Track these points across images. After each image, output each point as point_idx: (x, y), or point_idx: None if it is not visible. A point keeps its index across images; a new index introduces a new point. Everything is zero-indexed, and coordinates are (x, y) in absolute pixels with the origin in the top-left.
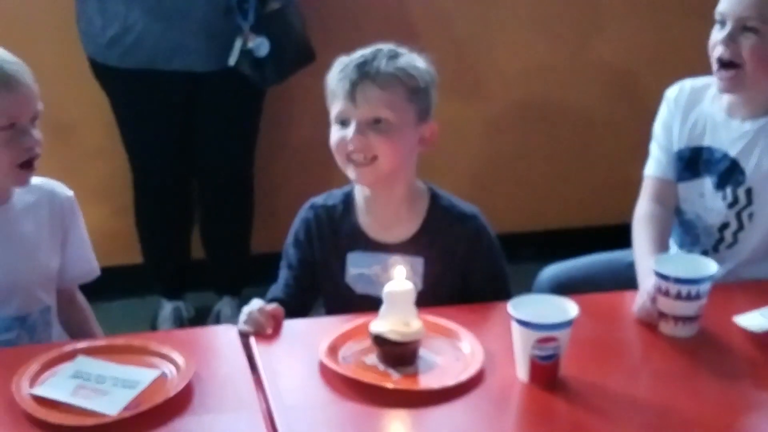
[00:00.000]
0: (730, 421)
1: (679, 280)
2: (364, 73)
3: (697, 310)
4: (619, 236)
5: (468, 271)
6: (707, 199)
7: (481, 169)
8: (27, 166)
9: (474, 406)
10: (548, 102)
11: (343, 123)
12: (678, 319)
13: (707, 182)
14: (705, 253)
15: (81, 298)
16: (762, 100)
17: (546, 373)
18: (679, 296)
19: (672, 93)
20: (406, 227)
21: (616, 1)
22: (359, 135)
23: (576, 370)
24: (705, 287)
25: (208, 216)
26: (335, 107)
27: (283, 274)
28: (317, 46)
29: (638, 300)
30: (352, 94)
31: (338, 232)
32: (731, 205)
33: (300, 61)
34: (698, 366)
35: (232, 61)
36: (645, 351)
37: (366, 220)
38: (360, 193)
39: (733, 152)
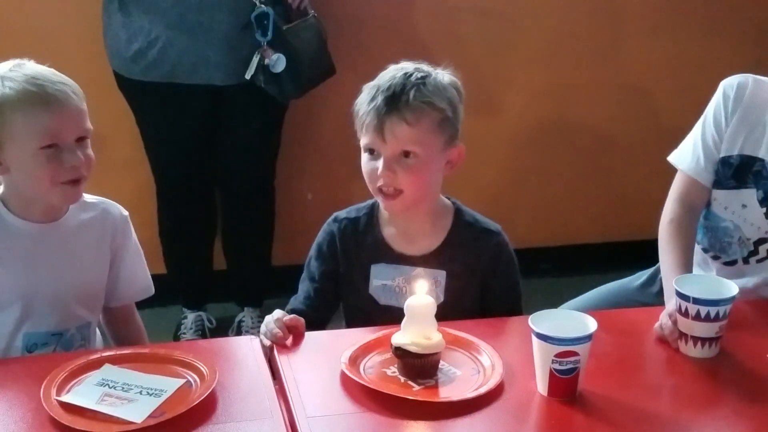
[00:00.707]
0: None
1: (698, 301)
2: (392, 108)
3: (717, 332)
4: (638, 252)
5: (487, 284)
6: (749, 211)
7: (500, 185)
8: (73, 184)
9: (493, 418)
10: (567, 120)
11: (373, 152)
12: (697, 339)
13: (753, 194)
14: (734, 262)
15: (137, 318)
16: None
17: (565, 386)
18: (698, 317)
19: (731, 91)
20: (429, 240)
21: (636, 20)
22: (387, 171)
23: (596, 384)
24: (725, 309)
25: (230, 227)
26: (364, 138)
27: (304, 286)
28: (337, 60)
29: (662, 318)
30: (380, 129)
31: (362, 245)
32: None
33: (319, 77)
34: (718, 385)
35: (248, 75)
36: (665, 367)
37: (390, 232)
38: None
39: None
